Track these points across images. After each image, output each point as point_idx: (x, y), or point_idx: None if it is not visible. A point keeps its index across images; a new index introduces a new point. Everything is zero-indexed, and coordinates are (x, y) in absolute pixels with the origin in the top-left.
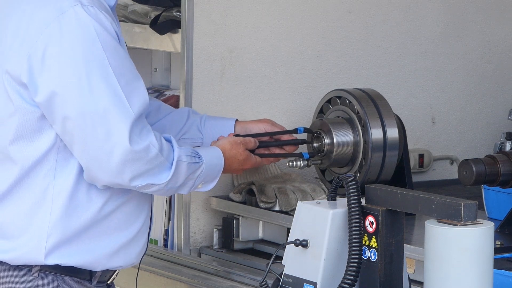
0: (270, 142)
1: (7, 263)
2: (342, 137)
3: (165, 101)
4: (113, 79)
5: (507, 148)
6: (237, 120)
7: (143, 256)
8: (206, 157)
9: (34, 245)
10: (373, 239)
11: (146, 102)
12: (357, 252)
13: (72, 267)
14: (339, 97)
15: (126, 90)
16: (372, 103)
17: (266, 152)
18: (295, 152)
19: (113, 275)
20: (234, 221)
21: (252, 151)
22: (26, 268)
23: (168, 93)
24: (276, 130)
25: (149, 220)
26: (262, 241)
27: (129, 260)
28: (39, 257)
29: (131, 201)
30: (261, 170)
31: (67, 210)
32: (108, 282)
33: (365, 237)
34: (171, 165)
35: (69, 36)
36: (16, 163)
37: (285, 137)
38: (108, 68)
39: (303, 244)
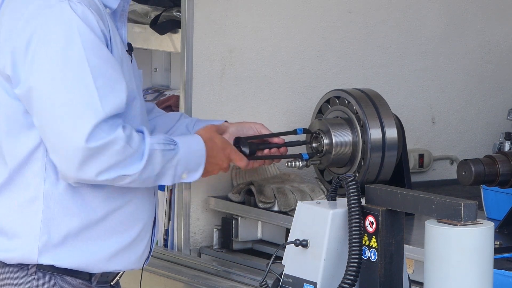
0: (270, 144)
1: (3, 262)
2: (341, 137)
3: (165, 101)
4: (88, 77)
5: (506, 148)
6: (226, 121)
7: (146, 261)
8: (182, 143)
9: (27, 243)
10: (373, 239)
11: (122, 105)
12: (357, 252)
13: (68, 269)
14: (338, 97)
15: (101, 90)
16: (371, 103)
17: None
18: (294, 152)
19: (117, 276)
20: (233, 221)
21: (252, 153)
22: (23, 267)
23: (168, 93)
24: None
25: (151, 225)
26: (261, 241)
27: (128, 265)
28: (32, 256)
29: (128, 205)
30: (260, 171)
31: (60, 210)
32: (112, 283)
33: (365, 237)
34: (143, 155)
35: (51, 31)
36: (6, 160)
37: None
38: (86, 66)
39: (303, 244)
